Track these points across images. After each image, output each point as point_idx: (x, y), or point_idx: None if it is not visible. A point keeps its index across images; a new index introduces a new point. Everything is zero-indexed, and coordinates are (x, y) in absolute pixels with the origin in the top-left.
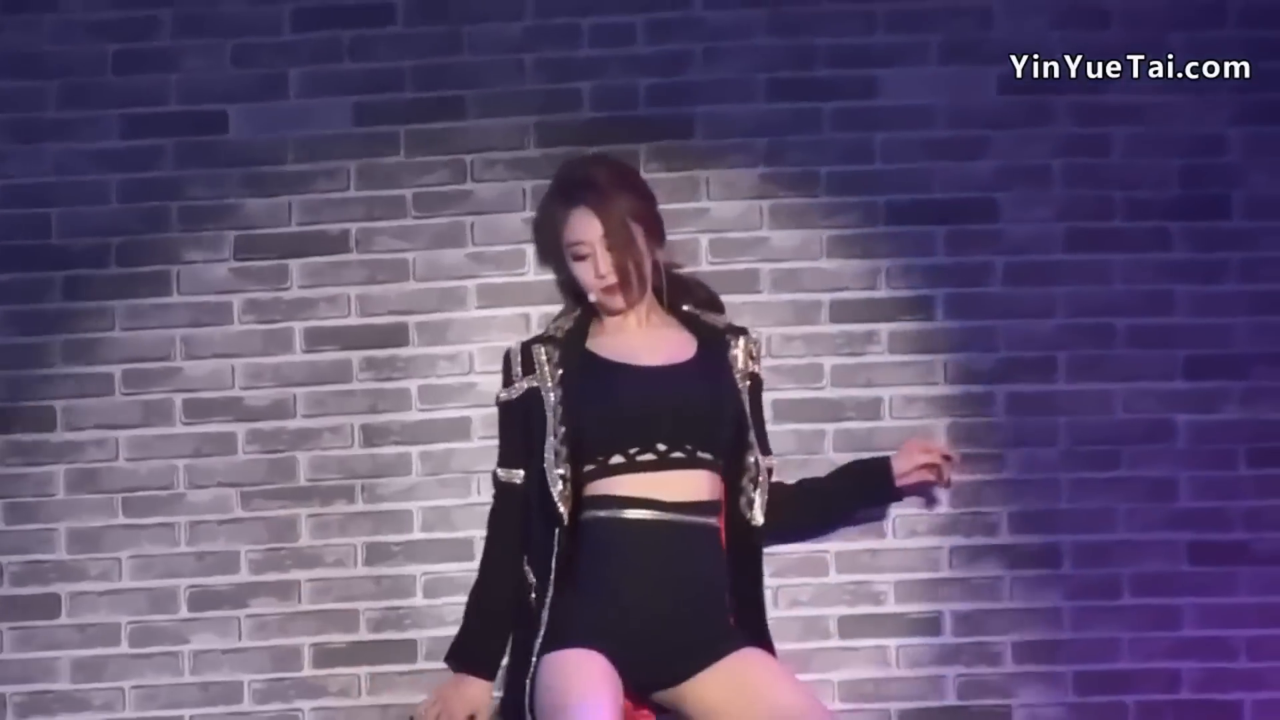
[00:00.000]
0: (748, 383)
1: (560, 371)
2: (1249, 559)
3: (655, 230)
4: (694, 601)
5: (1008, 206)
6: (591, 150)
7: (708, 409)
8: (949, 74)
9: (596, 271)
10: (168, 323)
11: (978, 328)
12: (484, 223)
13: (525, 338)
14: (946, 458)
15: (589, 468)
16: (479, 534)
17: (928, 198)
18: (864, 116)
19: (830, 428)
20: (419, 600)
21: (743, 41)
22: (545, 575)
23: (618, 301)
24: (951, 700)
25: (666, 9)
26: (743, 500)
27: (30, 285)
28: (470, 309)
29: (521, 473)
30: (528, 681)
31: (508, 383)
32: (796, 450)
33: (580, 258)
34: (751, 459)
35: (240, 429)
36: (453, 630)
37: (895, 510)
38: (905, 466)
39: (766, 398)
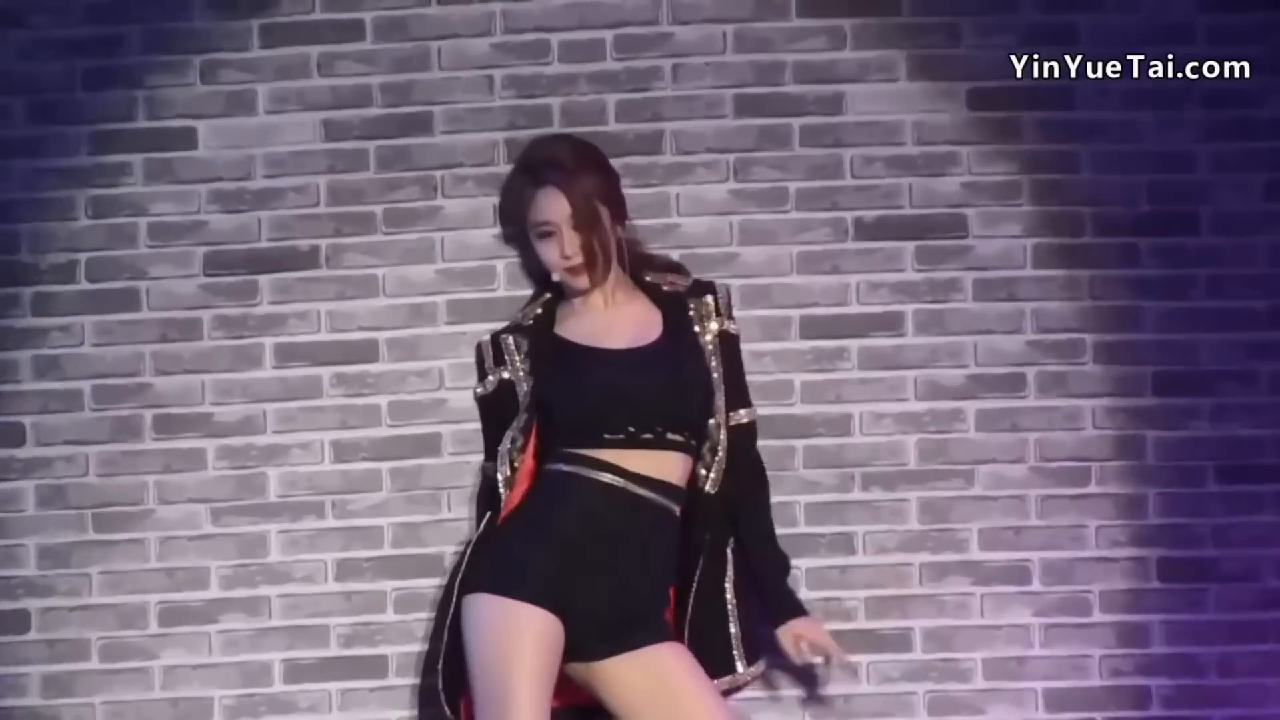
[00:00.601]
0: (718, 343)
1: (530, 361)
2: (1218, 576)
3: (619, 208)
4: (635, 579)
5: (977, 222)
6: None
7: (674, 392)
8: (917, 90)
9: (562, 251)
10: (137, 338)
11: (947, 343)
12: (454, 239)
13: (493, 331)
14: (831, 656)
15: (559, 449)
16: (450, 549)
17: (897, 213)
18: (833, 132)
19: (800, 444)
20: (389, 616)
21: (711, 57)
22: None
23: (583, 281)
24: (922, 717)
25: (635, 25)
26: (699, 467)
27: None
28: (440, 325)
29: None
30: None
31: (481, 376)
32: (767, 466)
33: (545, 235)
34: (713, 424)
35: (210, 445)
36: (423, 646)
37: (864, 527)
38: (783, 643)
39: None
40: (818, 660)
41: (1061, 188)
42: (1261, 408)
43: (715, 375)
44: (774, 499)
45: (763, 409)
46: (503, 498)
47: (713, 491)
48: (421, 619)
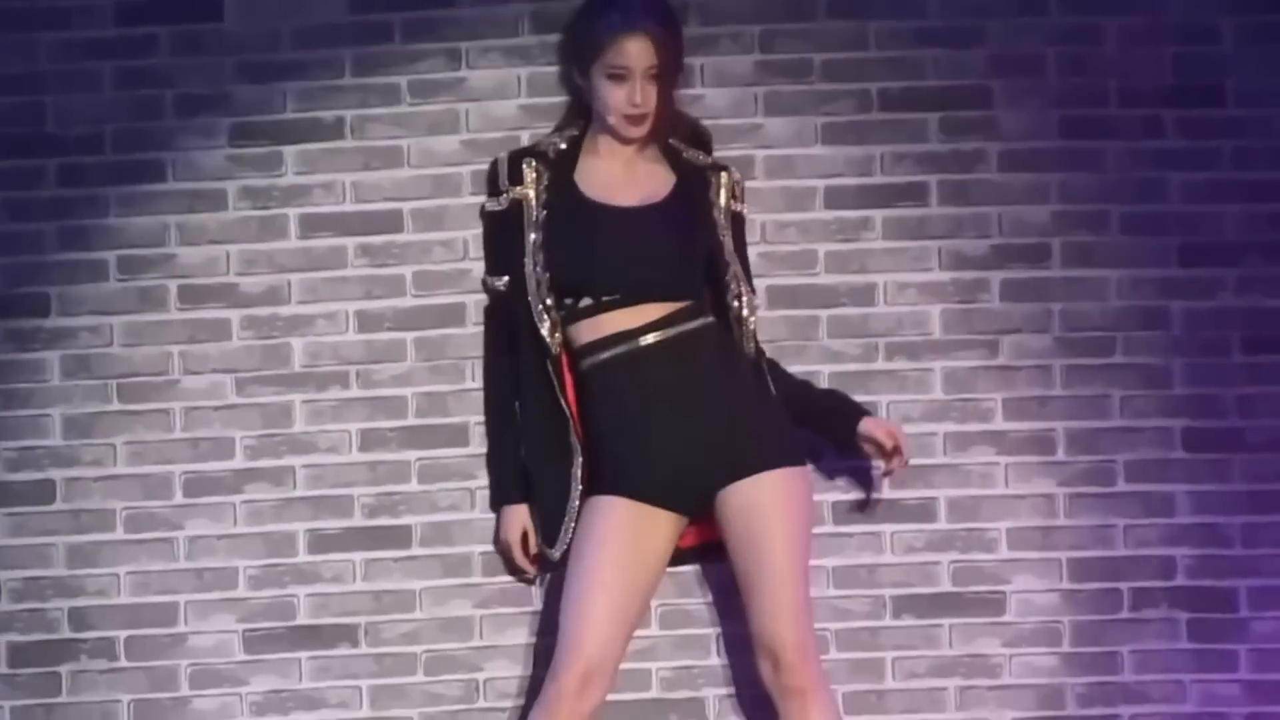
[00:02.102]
0: (728, 220)
1: (545, 196)
2: (1243, 446)
3: (680, 68)
4: (717, 408)
5: (1001, 94)
6: None
7: (678, 252)
8: None
9: (631, 98)
10: (162, 209)
11: (972, 214)
12: (478, 110)
13: (514, 149)
14: (900, 456)
15: (563, 306)
16: (474, 419)
17: (922, 85)
18: (858, 4)
19: (824, 314)
20: (413, 486)
21: None
22: (555, 406)
23: (636, 132)
24: (946, 587)
25: None
26: (730, 322)
27: (25, 172)
28: (464, 195)
29: (506, 279)
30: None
31: (494, 193)
32: (790, 336)
33: (618, 78)
34: (732, 299)
35: (235, 315)
36: (446, 516)
37: (888, 397)
38: (873, 431)
39: (760, 283)
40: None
41: (1086, 60)
42: None
43: (727, 249)
44: (799, 368)
45: (787, 279)
46: (550, 343)
47: (751, 353)
48: (447, 489)
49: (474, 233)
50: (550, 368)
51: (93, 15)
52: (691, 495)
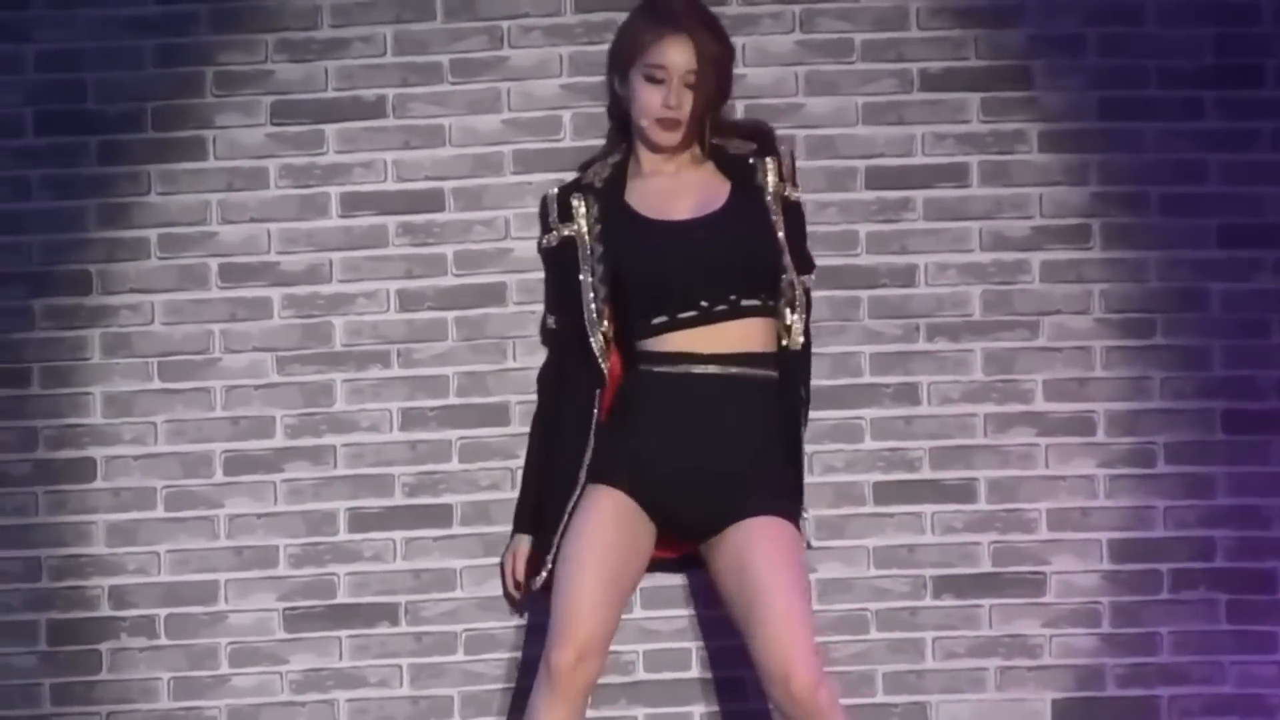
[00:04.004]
0: (781, 206)
1: (599, 227)
2: None
3: (728, 87)
4: (730, 455)
5: (1042, 74)
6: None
7: (745, 258)
8: None
9: (666, 101)
10: (203, 187)
11: (1012, 195)
12: (519, 89)
13: (562, 185)
14: None
15: (635, 328)
16: (514, 399)
17: (963, 65)
18: None
19: (865, 294)
20: (454, 465)
21: None
22: (583, 437)
23: (670, 138)
24: (986, 567)
25: None
26: (781, 326)
27: (66, 149)
28: (506, 174)
29: (554, 318)
30: (558, 537)
31: (545, 230)
32: (831, 317)
33: (655, 80)
34: (786, 281)
35: (276, 294)
36: (487, 495)
37: (929, 378)
38: None
39: None
40: None
41: (1127, 40)
42: None
43: (780, 234)
44: (839, 349)
45: (828, 259)
46: (603, 373)
47: (798, 349)
48: (487, 468)
49: (515, 212)
50: (597, 397)
51: None
52: (692, 525)
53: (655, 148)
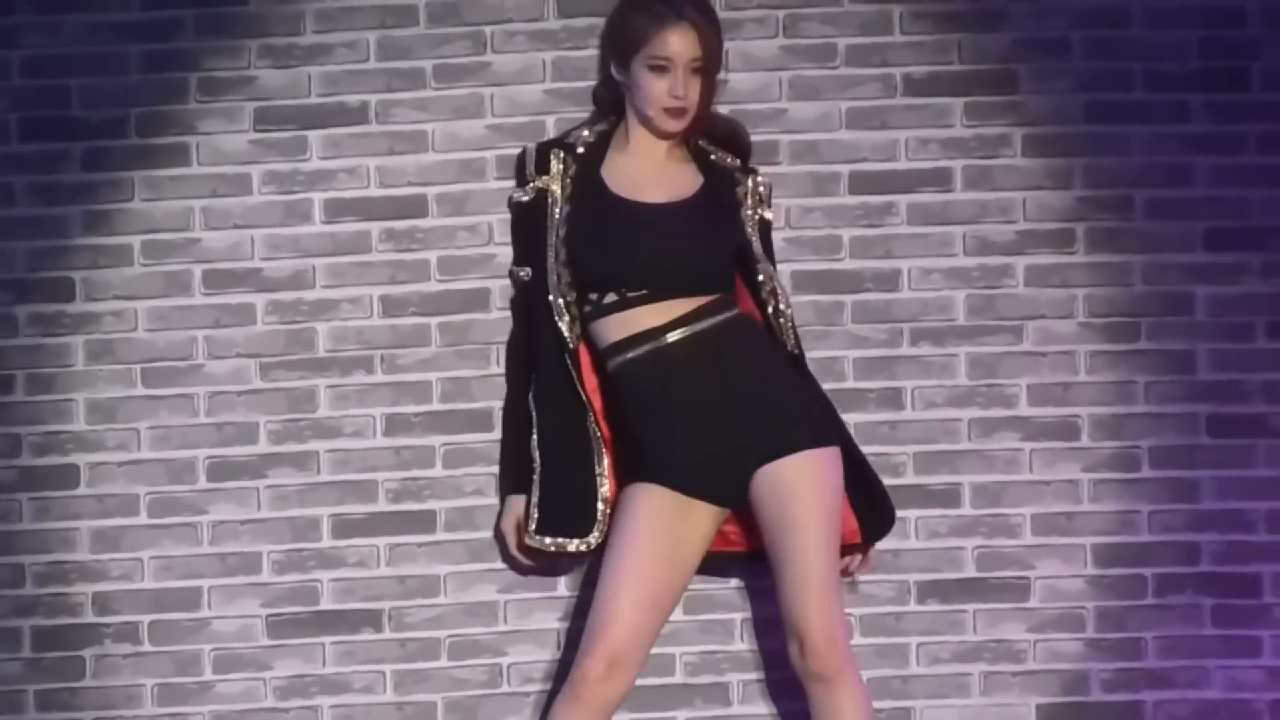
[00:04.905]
0: (756, 225)
1: (571, 188)
2: (1267, 432)
3: (720, 67)
4: (736, 403)
5: (1026, 78)
6: None
7: (705, 248)
8: None
9: (673, 90)
10: (187, 193)
11: (996, 199)
12: (503, 94)
13: (543, 140)
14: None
15: (587, 304)
16: (498, 404)
17: (946, 69)
18: None
19: (849, 299)
20: (438, 471)
21: None
22: (573, 398)
23: (675, 125)
24: (970, 572)
25: None
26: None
27: (50, 156)
28: (489, 180)
29: (529, 269)
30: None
31: (520, 183)
32: (815, 321)
33: (660, 70)
34: (767, 296)
35: (259, 300)
36: (471, 500)
37: (913, 382)
38: None
39: (784, 268)
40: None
41: (1112, 44)
42: None
43: (756, 249)
44: (824, 354)
45: (811, 264)
46: (568, 337)
47: (796, 352)
48: (472, 474)
49: (499, 218)
50: (569, 360)
51: None
52: (728, 484)
53: (662, 134)
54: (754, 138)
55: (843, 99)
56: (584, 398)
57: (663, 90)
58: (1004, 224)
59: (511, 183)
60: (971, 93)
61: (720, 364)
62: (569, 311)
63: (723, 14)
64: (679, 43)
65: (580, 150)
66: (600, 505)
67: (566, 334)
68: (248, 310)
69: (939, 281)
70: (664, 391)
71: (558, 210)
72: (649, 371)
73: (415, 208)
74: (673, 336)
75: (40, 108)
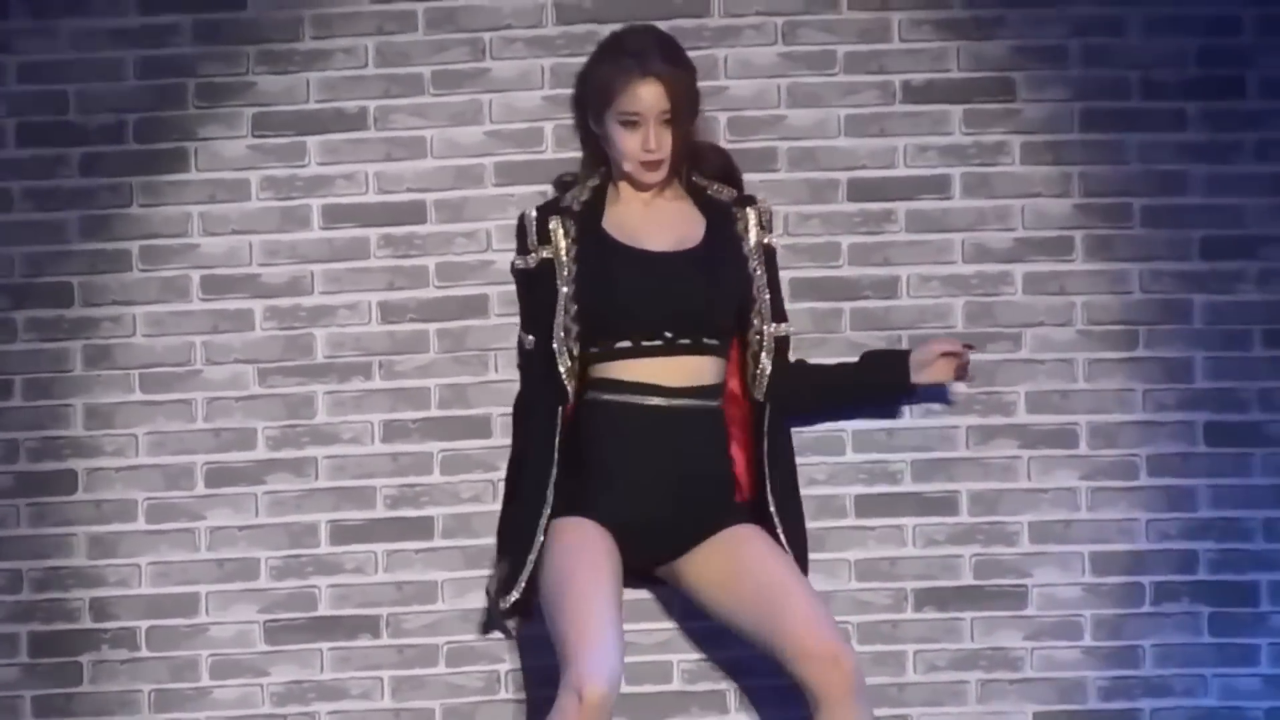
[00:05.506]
0: (760, 255)
1: (575, 249)
2: (1264, 440)
3: (696, 110)
4: (694, 481)
5: (1024, 86)
6: (607, 29)
7: (713, 298)
8: None
9: (645, 144)
10: (185, 199)
11: (994, 206)
12: (501, 100)
13: (541, 204)
14: (968, 346)
15: (595, 349)
16: (496, 411)
17: (945, 76)
18: None
19: (847, 306)
20: (436, 477)
21: None
22: (548, 453)
23: (653, 177)
24: (967, 580)
25: None
26: (748, 375)
27: (47, 161)
28: (488, 186)
29: (533, 338)
30: (533, 555)
31: (522, 250)
32: (813, 329)
33: (631, 125)
34: (756, 334)
35: (257, 305)
36: (468, 507)
37: None
38: (925, 357)
39: (783, 275)
40: (960, 378)
41: (1109, 52)
42: None
43: (758, 284)
44: (821, 360)
45: (810, 272)
46: (568, 391)
47: (761, 398)
48: (469, 480)
49: (497, 224)
50: (559, 415)
51: (115, 3)
52: (654, 547)
53: (640, 186)
54: (752, 144)
55: (841, 106)
56: (554, 456)
57: (636, 145)
58: (1002, 231)
59: (510, 189)
60: (970, 100)
61: (690, 444)
62: (572, 364)
63: (721, 21)
64: (649, 96)
65: (577, 210)
66: (526, 568)
67: (567, 386)
68: (246, 316)
69: (937, 289)
70: (633, 446)
71: (565, 271)
72: (627, 420)
73: (413, 214)
74: (681, 402)
75: (37, 113)
